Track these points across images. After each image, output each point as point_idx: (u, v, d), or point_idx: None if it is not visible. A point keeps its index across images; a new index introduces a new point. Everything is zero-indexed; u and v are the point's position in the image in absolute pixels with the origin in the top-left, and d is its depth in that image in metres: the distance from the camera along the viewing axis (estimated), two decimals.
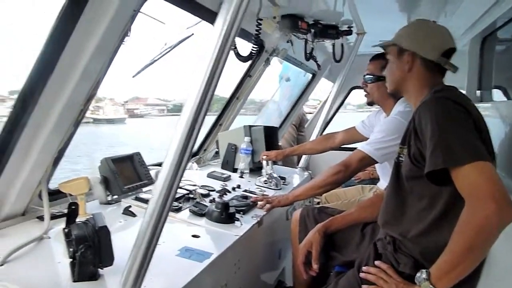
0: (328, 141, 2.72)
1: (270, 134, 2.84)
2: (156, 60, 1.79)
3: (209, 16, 1.91)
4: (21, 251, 1.26)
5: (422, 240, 1.31)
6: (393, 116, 2.05)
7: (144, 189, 1.97)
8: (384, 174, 2.35)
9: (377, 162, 2.03)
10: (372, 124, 2.43)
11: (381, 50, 1.71)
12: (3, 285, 1.07)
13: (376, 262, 1.38)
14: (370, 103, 2.30)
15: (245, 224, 1.77)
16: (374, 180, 3.02)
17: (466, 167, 1.13)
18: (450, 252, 1.13)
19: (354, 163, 1.98)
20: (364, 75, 2.25)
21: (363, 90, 2.30)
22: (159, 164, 2.42)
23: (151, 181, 2.02)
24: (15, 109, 1.35)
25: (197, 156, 2.94)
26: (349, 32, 2.77)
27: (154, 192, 0.98)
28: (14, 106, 1.35)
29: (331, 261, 1.75)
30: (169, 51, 1.82)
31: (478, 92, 2.83)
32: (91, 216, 1.20)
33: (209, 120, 3.08)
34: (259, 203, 2.04)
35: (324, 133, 3.26)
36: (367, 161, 1.99)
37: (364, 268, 1.39)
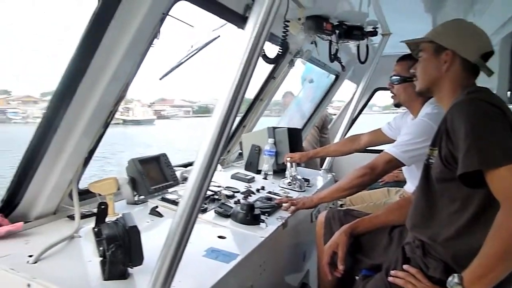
0: (353, 143, 2.69)
1: (294, 136, 2.83)
2: (182, 63, 1.81)
3: (235, 18, 1.92)
4: (53, 249, 1.29)
5: (454, 244, 1.28)
6: (420, 118, 2.02)
7: (170, 190, 1.99)
8: (411, 177, 2.31)
9: (404, 165, 2.00)
10: (398, 126, 2.39)
11: (406, 51, 1.68)
12: (38, 282, 1.10)
13: (405, 266, 1.36)
14: (396, 105, 2.26)
15: (270, 225, 1.77)
16: (399, 182, 2.97)
17: (502, 169, 1.10)
18: (484, 256, 1.11)
19: (380, 166, 1.95)
20: (391, 76, 2.22)
21: (389, 91, 2.27)
22: (185, 165, 2.45)
23: (177, 182, 2.04)
24: (48, 112, 1.39)
25: (221, 158, 2.94)
26: (374, 33, 2.74)
27: (185, 193, 0.99)
28: (47, 108, 1.39)
29: (358, 264, 1.73)
30: (195, 53, 1.84)
31: (508, 93, 2.76)
32: (121, 216, 1.22)
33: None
34: (284, 205, 2.04)
35: (348, 135, 3.24)
36: (394, 164, 1.96)
37: (392, 272, 1.37)
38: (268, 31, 0.95)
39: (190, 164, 2.51)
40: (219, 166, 2.74)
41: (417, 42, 1.54)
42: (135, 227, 1.14)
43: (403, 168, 2.24)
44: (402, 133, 2.06)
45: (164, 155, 2.06)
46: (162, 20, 1.44)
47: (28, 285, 1.10)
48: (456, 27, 1.47)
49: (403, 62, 2.16)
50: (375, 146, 2.70)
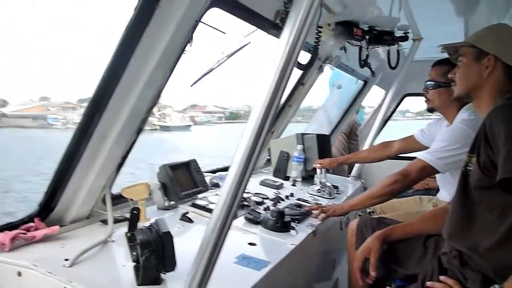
0: (385, 150, 2.65)
1: (323, 142, 2.81)
2: (213, 69, 1.82)
3: (266, 24, 1.93)
4: (88, 253, 1.31)
5: (493, 255, 1.23)
6: (456, 124, 1.96)
7: (199, 196, 2.00)
8: (445, 185, 2.25)
9: (438, 172, 1.94)
10: (431, 133, 2.34)
11: (438, 56, 1.64)
12: (73, 286, 1.12)
13: (442, 277, 1.31)
14: (430, 110, 2.22)
15: (300, 233, 1.75)
16: (429, 190, 2.89)
17: None
18: None
19: (413, 173, 1.90)
20: (426, 81, 2.17)
21: (419, 96, 2.23)
22: (214, 171, 2.46)
23: (206, 188, 2.05)
24: (84, 118, 1.42)
25: None
26: (405, 38, 2.69)
27: (219, 199, 0.98)
28: (83, 115, 1.42)
29: (391, 274, 1.68)
30: (226, 59, 1.85)
31: None
32: (154, 221, 1.23)
33: None
34: (314, 212, 2.01)
35: (376, 141, 3.19)
36: (428, 171, 1.91)
37: (428, 283, 1.33)
38: (304, 39, 0.94)
39: (220, 170, 2.52)
40: None
41: (457, 46, 1.50)
42: (168, 233, 1.15)
43: (436, 175, 2.18)
44: (437, 139, 2.00)
45: (194, 161, 2.07)
46: (194, 27, 1.45)
47: None
48: (499, 32, 1.42)
49: (438, 67, 2.12)
50: (407, 153, 2.65)
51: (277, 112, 0.97)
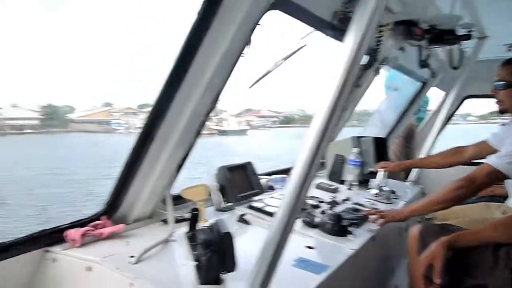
0: (456, 155, 2.52)
1: (380, 145, 2.74)
2: (270, 71, 1.82)
3: (323, 25, 1.91)
4: (151, 251, 1.36)
5: None
6: None
7: (255, 198, 2.01)
8: None
9: (507, 178, 1.82)
10: (503, 136, 2.19)
11: (504, 55, 1.54)
12: (139, 282, 1.16)
13: None
14: (502, 111, 2.09)
15: (358, 238, 1.71)
16: (495, 197, 2.72)
17: None
18: None
19: (479, 178, 1.79)
20: (494, 82, 2.05)
21: (480, 99, 2.11)
22: (269, 174, 2.46)
23: (262, 190, 2.05)
24: (147, 122, 1.47)
25: None
26: (468, 37, 2.55)
27: (282, 202, 0.98)
28: (146, 118, 1.47)
29: (457, 282, 1.59)
30: (282, 62, 1.85)
31: None
32: (215, 221, 1.25)
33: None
34: (371, 216, 1.96)
35: (434, 145, 3.06)
36: (496, 176, 1.78)
37: None
38: (368, 43, 0.93)
39: (275, 172, 2.52)
40: None
41: None
42: (229, 233, 1.16)
43: (506, 181, 2.05)
44: (507, 143, 1.88)
45: (250, 163, 2.09)
46: (253, 30, 1.47)
47: (131, 284, 1.17)
48: None
49: (508, 66, 1.99)
50: (480, 159, 2.49)
51: (339, 115, 0.96)
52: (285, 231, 0.98)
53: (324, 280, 1.30)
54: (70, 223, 1.43)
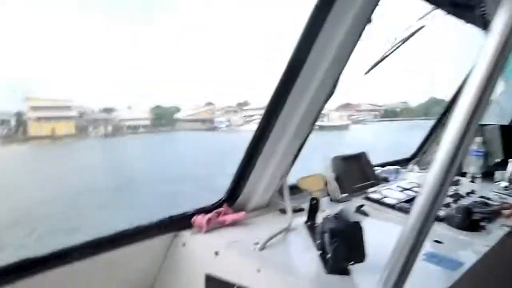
0: None
1: (507, 134, 2.46)
2: (387, 56, 1.73)
3: (445, 2, 1.75)
4: (273, 240, 1.37)
5: None
6: None
7: (370, 190, 1.93)
8: None
9: None
10: None
11: None
12: (266, 268, 1.17)
13: None
14: None
15: (493, 233, 1.55)
16: None
17: None
18: None
19: None
20: None
21: None
22: (383, 165, 2.36)
23: (378, 181, 1.97)
24: (265, 117, 1.49)
25: (416, 159, 2.77)
26: None
27: (419, 199, 0.91)
28: (264, 113, 1.49)
29: None
30: (399, 45, 1.74)
31: None
32: (340, 210, 1.22)
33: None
34: (505, 211, 1.77)
35: None
36: None
37: None
38: None
39: (388, 164, 2.41)
40: (416, 167, 2.56)
41: None
42: (358, 223, 1.12)
43: None
44: None
45: (364, 153, 2.03)
46: (372, 11, 1.39)
47: (258, 270, 1.19)
48: None
49: None
50: None
51: (484, 108, 0.85)
52: (422, 231, 0.90)
53: (461, 277, 1.20)
54: (196, 209, 1.50)
